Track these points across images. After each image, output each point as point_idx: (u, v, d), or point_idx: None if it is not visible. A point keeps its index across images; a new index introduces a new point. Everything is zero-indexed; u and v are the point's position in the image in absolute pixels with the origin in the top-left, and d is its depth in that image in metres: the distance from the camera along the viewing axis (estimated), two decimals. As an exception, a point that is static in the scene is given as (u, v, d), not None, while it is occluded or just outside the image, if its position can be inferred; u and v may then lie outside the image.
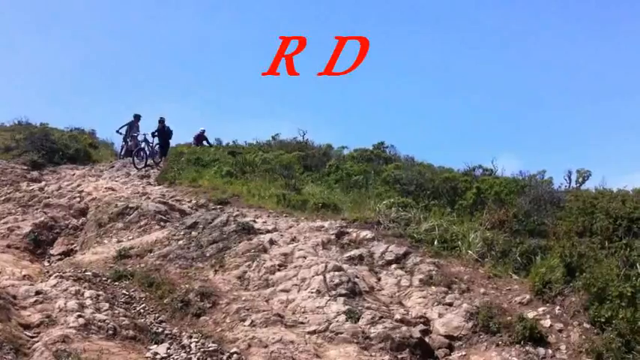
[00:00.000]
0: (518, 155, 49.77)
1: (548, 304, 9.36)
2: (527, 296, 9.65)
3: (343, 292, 9.64)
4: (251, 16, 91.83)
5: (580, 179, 16.73)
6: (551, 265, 9.93)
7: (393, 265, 11.00)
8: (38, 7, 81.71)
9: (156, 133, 22.63)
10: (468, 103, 77.93)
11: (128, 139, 23.67)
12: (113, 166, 21.62)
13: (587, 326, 8.65)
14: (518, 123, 70.94)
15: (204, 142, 25.72)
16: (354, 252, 11.42)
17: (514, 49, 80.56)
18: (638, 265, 8.88)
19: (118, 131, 24.08)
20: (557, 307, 9.21)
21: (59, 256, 12.85)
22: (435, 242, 11.83)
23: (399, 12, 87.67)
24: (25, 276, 10.00)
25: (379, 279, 10.67)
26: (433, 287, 10.14)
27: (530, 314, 9.10)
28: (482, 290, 10.03)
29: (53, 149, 21.50)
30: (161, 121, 22.88)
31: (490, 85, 79.59)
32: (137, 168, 21.02)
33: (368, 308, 9.24)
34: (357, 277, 10.24)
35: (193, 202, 15.64)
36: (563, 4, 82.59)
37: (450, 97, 78.38)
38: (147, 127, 23.68)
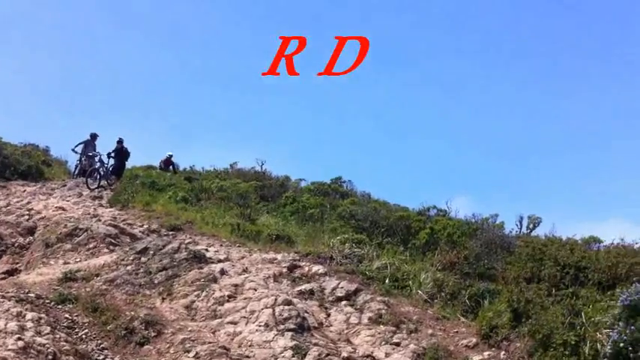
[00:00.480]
0: (473, 197, 50.47)
1: (493, 349, 9.42)
2: (474, 340, 9.70)
3: (292, 326, 9.56)
4: (213, 47, 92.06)
5: (531, 225, 17.07)
6: (499, 310, 10.01)
7: (344, 302, 10.96)
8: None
9: (112, 154, 22.21)
10: (425, 144, 79.06)
11: (83, 158, 23.27)
12: (65, 185, 21.20)
13: (531, 373, 8.72)
14: (474, 166, 72.16)
15: (171, 168, 25.41)
16: (305, 286, 11.36)
17: (473, 94, 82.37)
18: (583, 313, 9.00)
19: (73, 149, 23.66)
20: (503, 352, 9.27)
21: (3, 275, 12.52)
22: (387, 280, 11.85)
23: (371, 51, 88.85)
24: (-36, 295, 9.69)
25: (329, 315, 10.62)
26: (382, 326, 10.12)
27: (476, 358, 9.14)
28: (430, 331, 10.05)
29: (5, 164, 21.08)
30: (119, 141, 22.52)
31: (450, 129, 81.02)
32: (90, 188, 20.63)
33: (315, 344, 9.18)
34: (307, 312, 10.18)
35: (145, 226, 15.42)
36: (521, 53, 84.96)
37: (410, 138, 79.50)
38: (103, 147, 23.33)
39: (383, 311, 10.50)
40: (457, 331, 10.10)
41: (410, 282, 11.81)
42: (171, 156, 25.78)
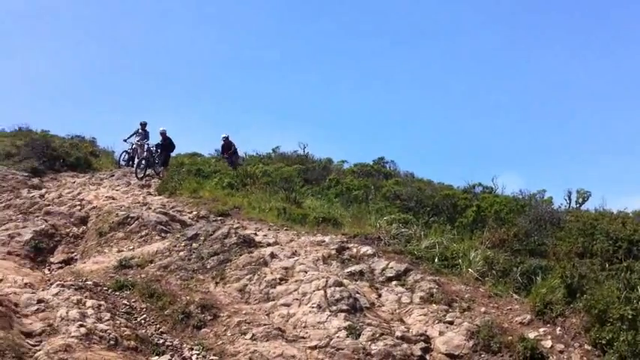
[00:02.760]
0: (520, 173, 49.82)
1: (548, 325, 9.38)
2: (528, 316, 9.67)
3: (344, 307, 9.65)
4: (252, 33, 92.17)
5: (580, 200, 16.87)
6: (552, 286, 9.95)
7: (394, 282, 11.01)
8: (42, 13, 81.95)
9: (161, 143, 22.38)
10: (469, 120, 78.19)
11: (133, 147, 23.57)
12: (113, 175, 21.56)
13: (589, 348, 8.66)
14: (520, 141, 71.08)
15: (233, 150, 23.74)
16: (355, 267, 11.44)
17: (516, 69, 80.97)
18: (638, 287, 8.91)
19: (125, 140, 23.96)
20: (558, 328, 9.23)
21: (59, 265, 12.83)
22: (436, 260, 11.86)
23: (404, 27, 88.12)
24: (26, 284, 9.99)
25: (380, 295, 10.68)
26: (434, 305, 10.15)
27: (531, 334, 9.11)
28: (482, 309, 10.04)
29: (54, 156, 21.43)
30: (162, 133, 22.72)
31: (493, 103, 79.87)
32: (138, 177, 20.98)
33: (369, 324, 9.26)
34: (358, 293, 10.25)
35: (194, 213, 15.64)
36: (560, 18, 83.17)
37: (452, 114, 78.66)
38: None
39: (434, 290, 10.52)
40: (510, 309, 10.07)
41: (459, 260, 11.80)
42: (227, 137, 24.09)
